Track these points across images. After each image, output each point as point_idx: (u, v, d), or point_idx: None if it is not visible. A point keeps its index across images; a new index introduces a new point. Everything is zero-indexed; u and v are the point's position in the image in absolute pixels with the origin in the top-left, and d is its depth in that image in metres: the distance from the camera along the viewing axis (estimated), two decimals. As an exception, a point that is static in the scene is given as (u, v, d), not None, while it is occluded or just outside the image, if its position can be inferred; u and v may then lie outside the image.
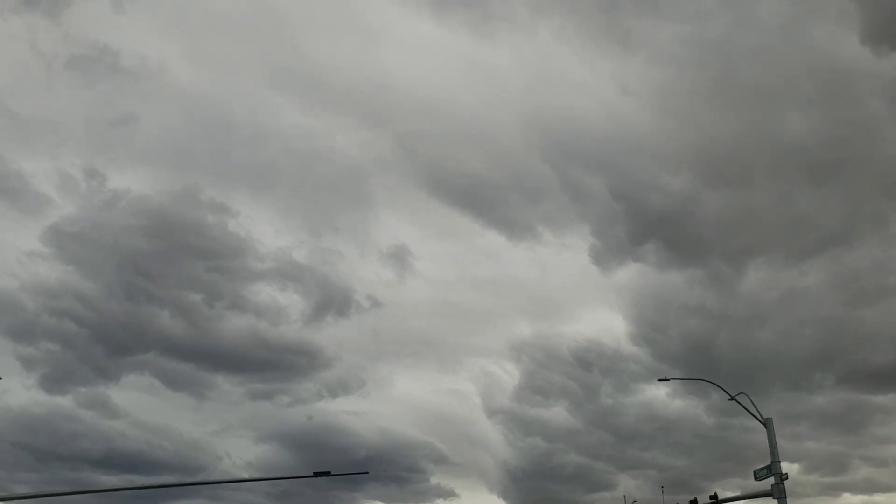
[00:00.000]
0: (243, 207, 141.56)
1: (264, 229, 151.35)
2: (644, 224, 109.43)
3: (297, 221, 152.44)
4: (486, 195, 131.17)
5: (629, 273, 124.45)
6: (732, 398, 39.26)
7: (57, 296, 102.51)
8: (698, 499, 44.87)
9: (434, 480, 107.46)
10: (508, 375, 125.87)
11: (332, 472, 37.96)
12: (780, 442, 38.17)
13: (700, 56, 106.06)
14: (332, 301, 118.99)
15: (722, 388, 40.57)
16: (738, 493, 44.29)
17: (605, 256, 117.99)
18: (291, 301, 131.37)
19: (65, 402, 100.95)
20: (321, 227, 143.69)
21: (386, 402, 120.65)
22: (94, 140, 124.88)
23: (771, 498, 37.47)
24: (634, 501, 66.40)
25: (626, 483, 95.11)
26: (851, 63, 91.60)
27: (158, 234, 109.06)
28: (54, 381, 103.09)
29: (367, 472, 42.05)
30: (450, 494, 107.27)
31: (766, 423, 38.23)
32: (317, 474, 37.59)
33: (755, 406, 38.65)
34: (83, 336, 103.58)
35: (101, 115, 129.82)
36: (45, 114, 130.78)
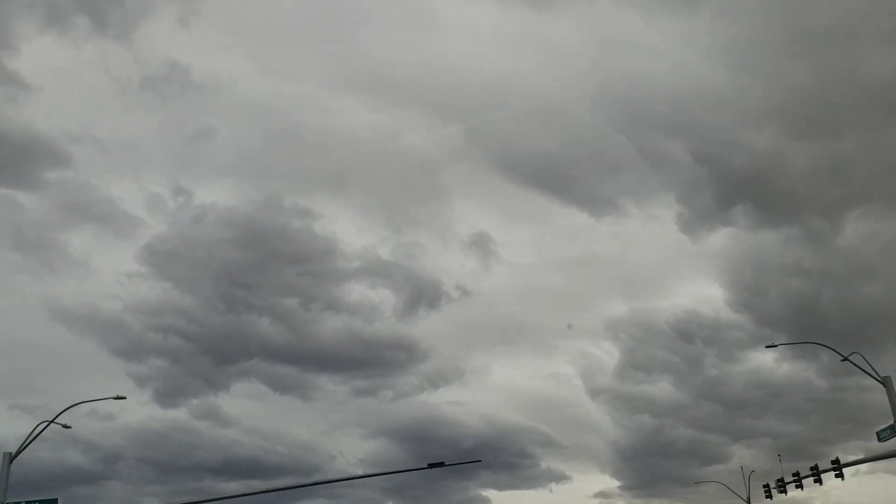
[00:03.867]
0: (324, 210, 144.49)
1: (346, 229, 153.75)
2: (731, 186, 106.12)
3: (376, 219, 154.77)
4: (562, 173, 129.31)
5: (720, 238, 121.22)
6: (845, 359, 38.09)
7: (159, 313, 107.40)
8: (819, 464, 43.65)
9: (544, 464, 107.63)
10: (607, 355, 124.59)
11: (445, 463, 38.68)
12: (901, 400, 36.89)
13: (769, 2, 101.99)
14: (422, 294, 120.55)
15: (833, 349, 39.44)
16: (861, 456, 43.00)
17: (694, 224, 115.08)
18: (383, 297, 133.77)
19: (179, 414, 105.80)
20: (401, 222, 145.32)
21: (486, 391, 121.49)
22: (174, 157, 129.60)
23: (897, 458, 36.31)
24: (752, 472, 64.79)
25: (741, 453, 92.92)
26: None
27: (249, 243, 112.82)
28: (167, 396, 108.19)
29: (480, 461, 42.59)
30: (561, 477, 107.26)
31: (885, 382, 36.98)
32: (431, 466, 38.39)
33: (870, 365, 37.41)
34: (189, 349, 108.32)
35: (179, 133, 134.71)
36: (125, 137, 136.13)
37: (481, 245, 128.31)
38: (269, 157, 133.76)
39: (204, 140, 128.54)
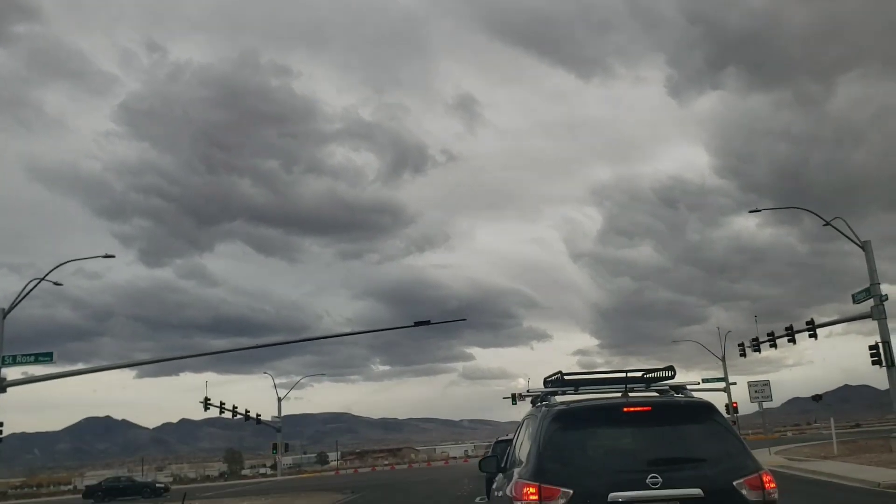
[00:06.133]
0: (303, 67, 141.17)
1: (326, 88, 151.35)
2: (724, 46, 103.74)
3: (357, 77, 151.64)
4: (550, 31, 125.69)
5: (709, 102, 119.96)
6: (827, 223, 38.47)
7: (140, 173, 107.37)
8: (794, 325, 45.03)
9: (527, 324, 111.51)
10: (591, 220, 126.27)
11: (431, 321, 39.59)
12: (881, 264, 37.69)
13: None
14: (406, 158, 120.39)
15: (816, 214, 39.77)
16: (835, 318, 44.26)
17: (683, 86, 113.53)
18: (366, 160, 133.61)
19: (165, 274, 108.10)
20: (383, 82, 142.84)
21: (471, 254, 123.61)
22: (146, 10, 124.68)
23: (870, 319, 37.45)
24: (728, 332, 67.05)
25: (719, 315, 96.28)
26: None
27: (226, 103, 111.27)
28: (152, 256, 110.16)
29: (465, 319, 43.65)
30: (543, 336, 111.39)
31: (864, 246, 37.58)
32: (417, 324, 39.28)
33: (852, 230, 37.89)
34: (171, 210, 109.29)
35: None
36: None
37: (466, 107, 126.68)
38: (244, 10, 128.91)
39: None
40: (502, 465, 8.50)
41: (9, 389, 34.93)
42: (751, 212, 41.80)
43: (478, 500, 25.14)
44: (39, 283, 35.35)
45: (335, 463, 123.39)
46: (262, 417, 72.04)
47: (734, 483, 6.01)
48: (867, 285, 37.31)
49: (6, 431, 35.47)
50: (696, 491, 5.88)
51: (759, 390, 41.04)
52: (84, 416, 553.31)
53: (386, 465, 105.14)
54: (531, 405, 7.91)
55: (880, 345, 36.48)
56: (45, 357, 35.76)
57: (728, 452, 6.25)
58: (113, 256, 40.38)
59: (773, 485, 6.14)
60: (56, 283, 36.31)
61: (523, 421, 8.05)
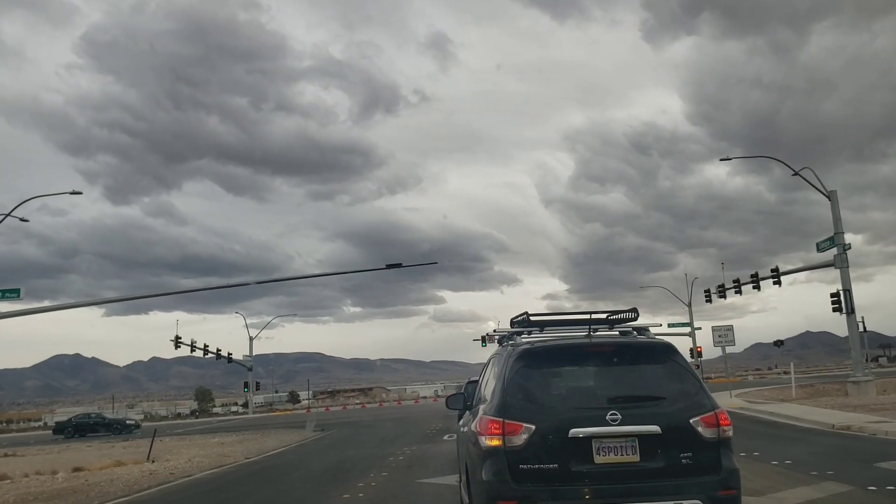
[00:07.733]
0: (272, 1, 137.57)
1: (295, 23, 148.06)
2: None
3: (327, 13, 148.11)
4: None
5: (684, 48, 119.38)
6: (796, 173, 38.93)
7: (104, 108, 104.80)
8: (759, 273, 45.86)
9: (497, 268, 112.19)
10: (563, 165, 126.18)
11: (403, 264, 39.70)
12: (845, 214, 38.35)
13: None
14: (378, 98, 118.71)
15: (785, 164, 40.18)
16: (799, 266, 45.06)
17: (658, 31, 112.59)
18: (337, 100, 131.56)
19: (132, 212, 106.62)
20: (353, 18, 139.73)
21: (443, 198, 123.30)
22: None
23: (833, 268, 38.21)
24: (695, 278, 68.00)
25: (687, 262, 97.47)
26: None
27: (193, 37, 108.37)
28: (118, 193, 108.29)
29: (437, 263, 43.79)
30: (513, 280, 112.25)
31: (830, 196, 38.14)
32: (389, 266, 39.38)
33: (819, 179, 38.40)
34: (137, 147, 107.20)
35: None
36: None
37: (439, 46, 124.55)
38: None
39: None
40: (469, 403, 8.73)
41: (-24, 325, 34.59)
42: (721, 160, 42.03)
43: (446, 437, 25.68)
44: (5, 218, 34.77)
45: (306, 402, 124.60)
46: (233, 356, 72.27)
47: (691, 421, 6.22)
48: (831, 234, 38.00)
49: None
50: (654, 428, 6.09)
51: (723, 335, 41.91)
52: (53, 354, 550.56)
53: (357, 403, 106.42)
54: (498, 345, 8.07)
55: (841, 292, 37.35)
56: (11, 293, 35.37)
57: (686, 391, 6.45)
58: (80, 193, 39.66)
59: (727, 422, 6.37)
60: (22, 220, 35.75)
61: (490, 360, 8.23)
